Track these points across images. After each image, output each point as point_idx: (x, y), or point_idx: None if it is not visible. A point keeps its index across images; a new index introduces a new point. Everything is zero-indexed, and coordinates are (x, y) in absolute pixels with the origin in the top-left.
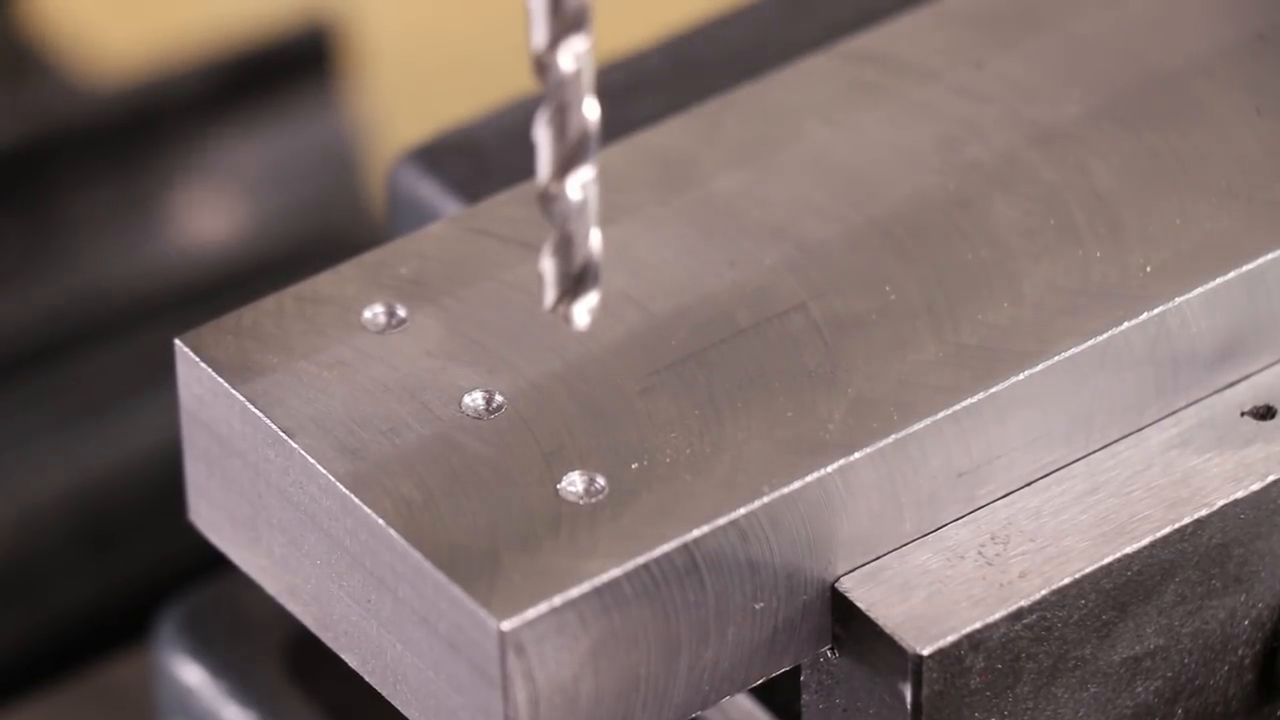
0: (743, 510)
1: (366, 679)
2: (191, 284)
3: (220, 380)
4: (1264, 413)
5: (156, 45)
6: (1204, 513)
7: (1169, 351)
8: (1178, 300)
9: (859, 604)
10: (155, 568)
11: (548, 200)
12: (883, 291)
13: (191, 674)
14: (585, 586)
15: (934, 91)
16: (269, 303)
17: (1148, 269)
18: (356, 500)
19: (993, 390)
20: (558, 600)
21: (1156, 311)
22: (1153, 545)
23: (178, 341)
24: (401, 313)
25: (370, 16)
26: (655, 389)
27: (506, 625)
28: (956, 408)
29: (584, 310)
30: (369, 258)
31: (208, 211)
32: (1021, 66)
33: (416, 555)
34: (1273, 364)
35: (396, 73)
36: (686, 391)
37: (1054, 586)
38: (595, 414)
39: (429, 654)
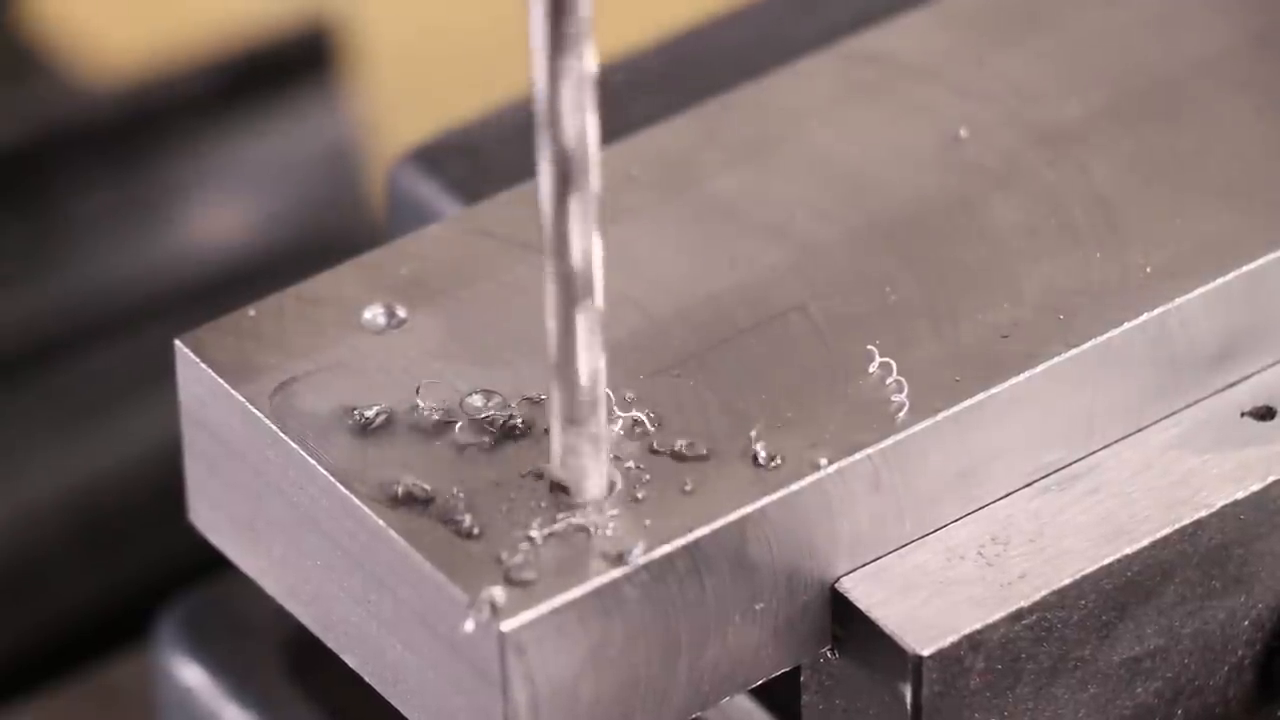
0: (742, 511)
1: (366, 680)
2: (191, 284)
3: (220, 381)
4: (1264, 413)
5: (157, 46)
6: (1204, 513)
7: (1169, 352)
8: (1178, 300)
9: (859, 604)
10: (155, 568)
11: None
12: (883, 291)
13: (191, 674)
14: (585, 588)
15: (934, 91)
16: (269, 303)
17: (1148, 269)
18: (356, 501)
19: (993, 390)
20: (558, 601)
21: (1156, 312)
22: (1153, 546)
23: (178, 342)
24: (401, 313)
25: (371, 17)
26: (654, 389)
27: (506, 626)
28: (956, 408)
29: None
30: (369, 258)
31: (208, 212)
32: (1022, 66)
33: (417, 556)
34: (1273, 364)
35: (396, 73)
36: (686, 392)
37: (1054, 587)
38: None
39: (429, 655)
